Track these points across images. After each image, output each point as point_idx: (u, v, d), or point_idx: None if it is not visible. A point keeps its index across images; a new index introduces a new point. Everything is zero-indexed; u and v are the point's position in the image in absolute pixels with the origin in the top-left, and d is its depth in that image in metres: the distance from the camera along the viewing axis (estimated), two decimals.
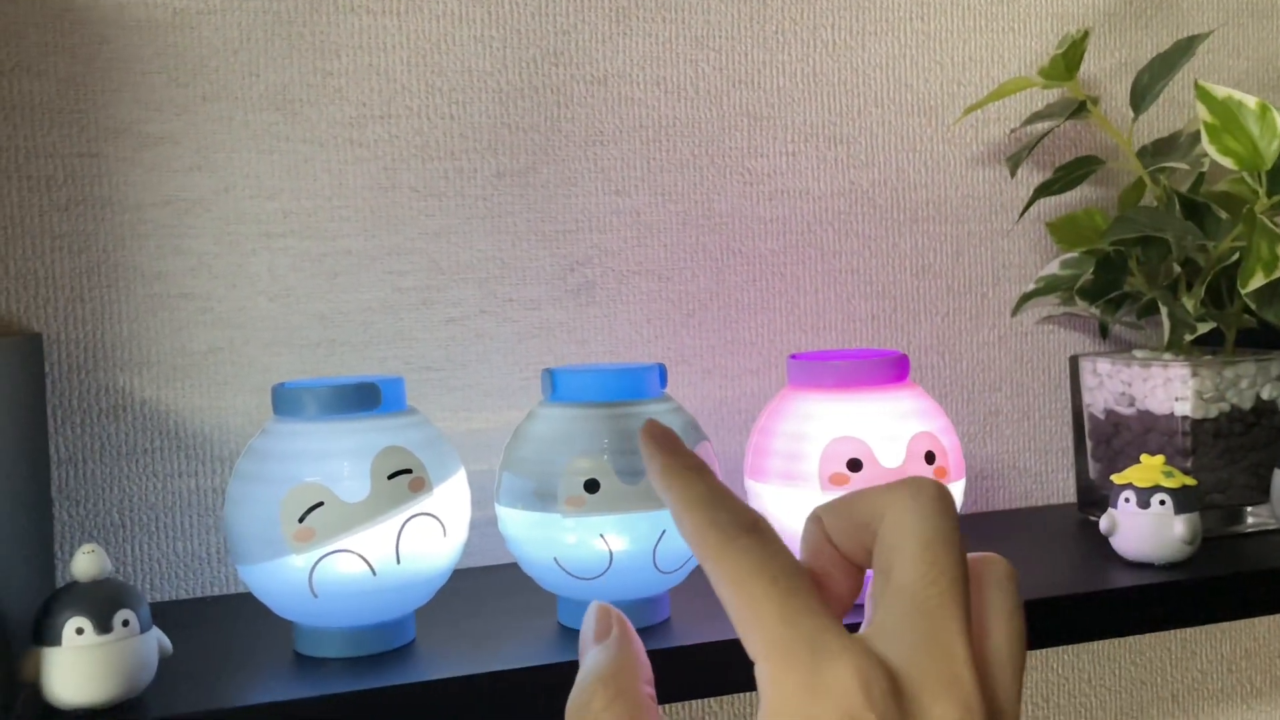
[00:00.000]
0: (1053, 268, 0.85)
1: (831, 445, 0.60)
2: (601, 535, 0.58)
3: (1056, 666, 0.91)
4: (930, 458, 0.61)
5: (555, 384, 0.61)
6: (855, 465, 0.60)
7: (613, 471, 0.57)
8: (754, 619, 0.31)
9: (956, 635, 0.31)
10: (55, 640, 0.51)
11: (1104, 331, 0.89)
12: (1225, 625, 0.95)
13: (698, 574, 0.57)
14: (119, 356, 0.70)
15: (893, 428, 0.61)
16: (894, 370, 0.63)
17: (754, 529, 0.33)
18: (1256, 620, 0.96)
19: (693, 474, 0.35)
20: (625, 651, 0.36)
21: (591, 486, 0.57)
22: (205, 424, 0.71)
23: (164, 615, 0.64)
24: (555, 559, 0.59)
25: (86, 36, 0.69)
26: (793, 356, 0.66)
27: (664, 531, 0.58)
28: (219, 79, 0.71)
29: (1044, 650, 0.90)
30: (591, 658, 0.36)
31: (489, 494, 0.74)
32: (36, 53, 0.68)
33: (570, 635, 0.61)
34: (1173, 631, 0.94)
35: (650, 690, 0.37)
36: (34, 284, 0.69)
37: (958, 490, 0.64)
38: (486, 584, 0.71)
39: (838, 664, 0.30)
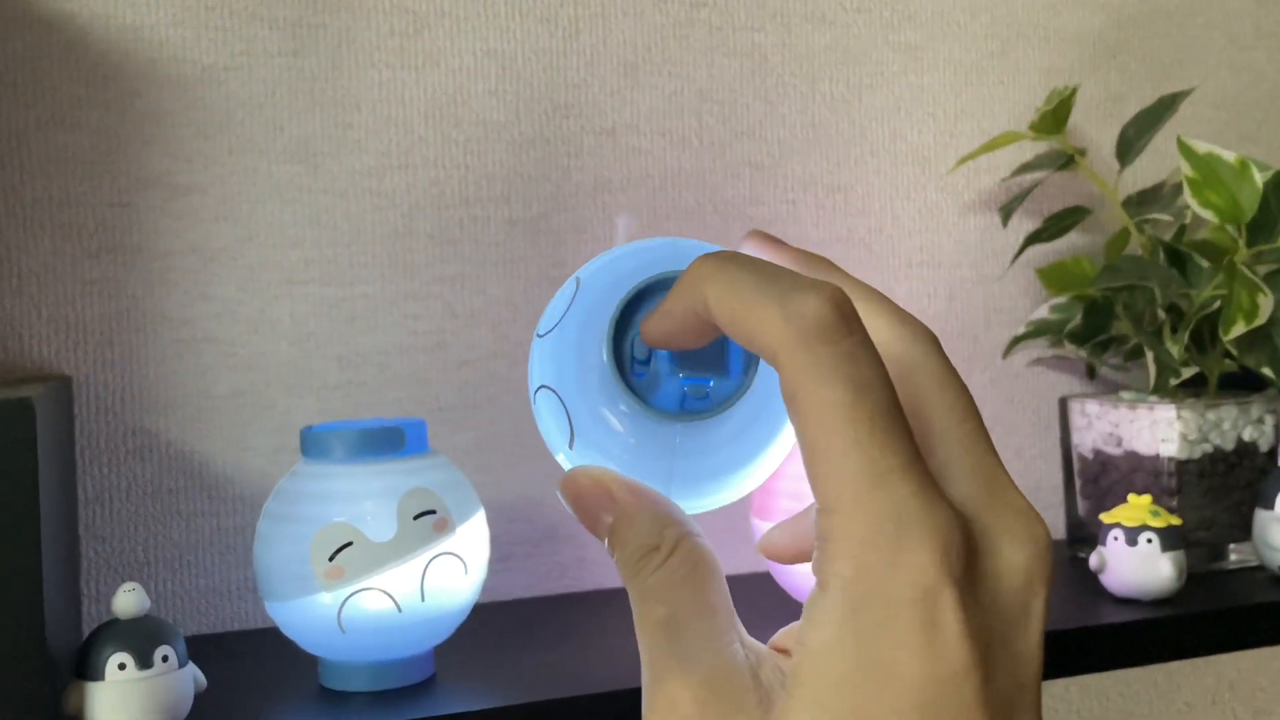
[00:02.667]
0: (1042, 312, 0.88)
1: None
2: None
3: (1047, 700, 0.94)
4: None
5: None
6: None
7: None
8: (840, 471, 0.28)
9: (1001, 466, 0.30)
10: (98, 675, 0.53)
11: (1091, 373, 0.92)
12: (1210, 659, 0.98)
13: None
14: (146, 399, 0.72)
15: None
16: None
17: (847, 319, 0.28)
18: (1240, 654, 0.99)
19: (729, 254, 0.30)
20: (671, 506, 0.32)
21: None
22: (228, 465, 0.74)
23: (190, 650, 0.66)
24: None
25: (119, 91, 0.72)
26: None
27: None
28: (244, 132, 0.74)
29: None
30: (637, 516, 0.31)
31: (501, 532, 0.77)
32: (70, 106, 0.71)
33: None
34: (1159, 665, 0.97)
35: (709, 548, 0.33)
36: (65, 329, 0.71)
37: None
38: (501, 619, 0.74)
39: (919, 534, 0.28)
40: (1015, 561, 0.30)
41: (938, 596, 0.29)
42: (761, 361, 0.31)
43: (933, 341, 0.31)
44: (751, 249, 0.33)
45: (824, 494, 0.29)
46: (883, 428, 0.28)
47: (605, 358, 0.30)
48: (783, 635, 0.34)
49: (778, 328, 0.28)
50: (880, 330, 0.31)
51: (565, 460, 0.33)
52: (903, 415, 0.29)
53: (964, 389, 0.31)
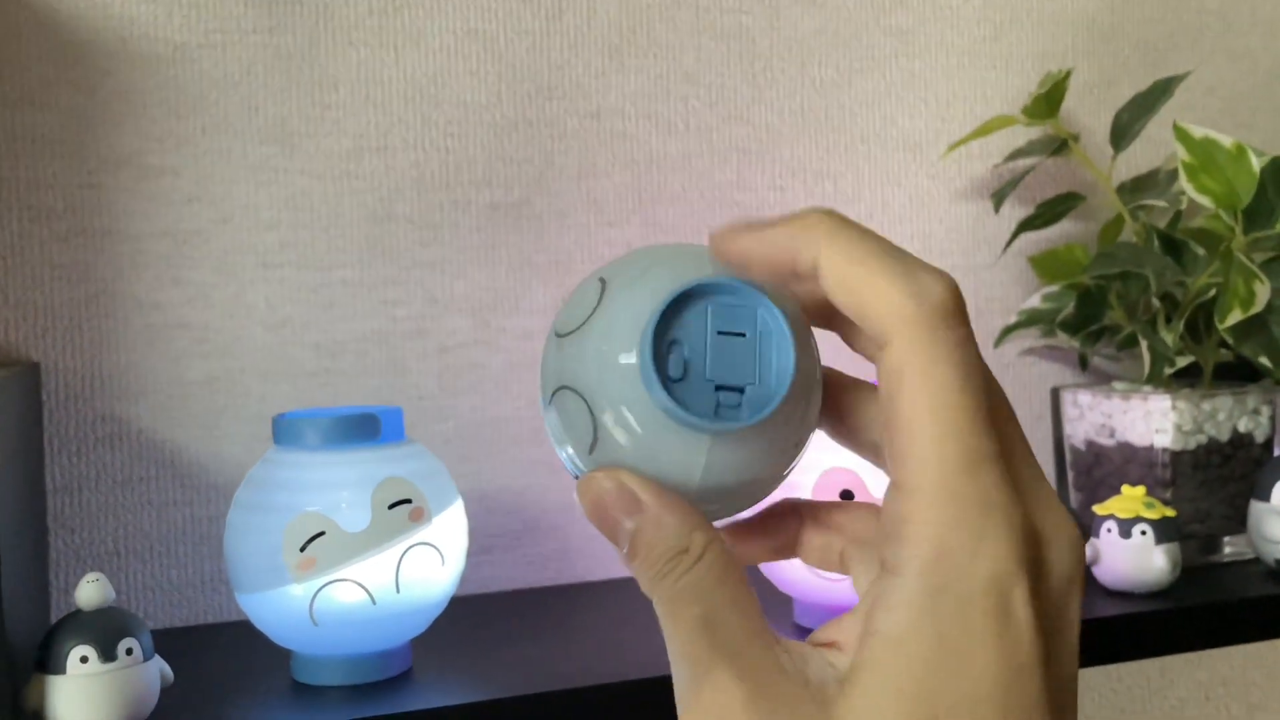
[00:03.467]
0: (1034, 301, 0.87)
1: (825, 476, 0.62)
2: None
3: None
4: None
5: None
6: (847, 495, 0.61)
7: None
8: (935, 454, 0.29)
9: (1039, 467, 0.31)
10: (60, 668, 0.51)
11: (1084, 363, 0.91)
12: (1202, 654, 0.97)
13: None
14: (116, 386, 0.71)
15: None
16: None
17: (964, 309, 0.29)
18: (1233, 649, 0.98)
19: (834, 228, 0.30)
20: (676, 508, 0.31)
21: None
22: (201, 453, 0.72)
23: (160, 643, 0.64)
24: None
25: (89, 70, 0.70)
26: None
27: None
28: (219, 112, 0.72)
29: None
30: (661, 513, 0.30)
31: (481, 523, 0.76)
32: (39, 85, 0.69)
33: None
34: (1152, 659, 0.95)
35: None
36: (33, 313, 0.69)
37: None
38: (480, 612, 0.72)
39: (1003, 524, 0.29)
40: (1062, 561, 0.30)
41: (1012, 587, 0.29)
42: (791, 371, 0.30)
43: (959, 321, 0.31)
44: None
45: (912, 474, 0.29)
46: (982, 417, 0.29)
47: (643, 361, 0.29)
48: (830, 628, 0.33)
49: (901, 302, 0.28)
50: (871, 305, 0.30)
51: (578, 464, 0.32)
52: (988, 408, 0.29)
53: (1003, 392, 0.31)
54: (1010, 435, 0.31)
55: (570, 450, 0.32)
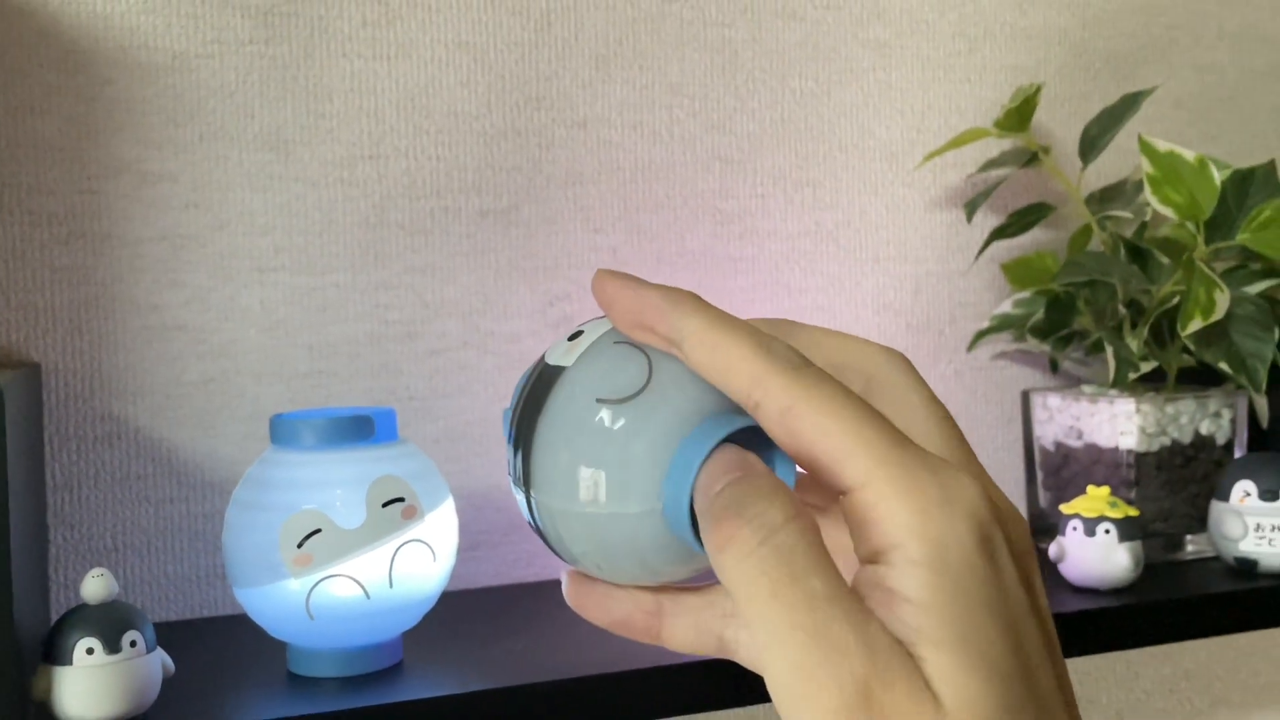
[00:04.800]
0: (1005, 307, 0.90)
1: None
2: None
3: None
4: None
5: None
6: None
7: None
8: (859, 443, 0.30)
9: (980, 465, 0.33)
10: (66, 660, 0.53)
11: (1054, 367, 0.93)
12: (1167, 648, 1.00)
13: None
14: (115, 386, 0.73)
15: None
16: None
17: (806, 359, 0.31)
18: (1197, 643, 1.01)
19: (704, 307, 0.32)
20: (780, 480, 0.31)
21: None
22: (197, 451, 0.74)
23: (158, 635, 0.67)
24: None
25: (90, 78, 0.72)
26: None
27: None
28: (216, 120, 0.74)
29: None
30: (749, 482, 0.30)
31: (469, 521, 0.78)
32: (41, 92, 0.71)
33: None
34: (1118, 654, 0.98)
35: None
36: (34, 315, 0.71)
37: None
38: (468, 607, 0.74)
39: (961, 478, 0.30)
40: (1017, 532, 0.32)
41: (992, 535, 0.31)
42: None
43: (902, 357, 0.34)
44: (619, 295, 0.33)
45: (850, 473, 0.30)
46: (876, 411, 0.31)
47: (676, 504, 0.31)
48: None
49: (758, 362, 0.30)
50: (853, 352, 0.34)
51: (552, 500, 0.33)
52: None
53: (936, 397, 0.33)
54: (925, 435, 0.33)
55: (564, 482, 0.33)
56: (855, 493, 0.30)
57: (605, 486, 0.32)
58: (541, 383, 0.33)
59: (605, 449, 0.32)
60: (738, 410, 0.32)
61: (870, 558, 0.31)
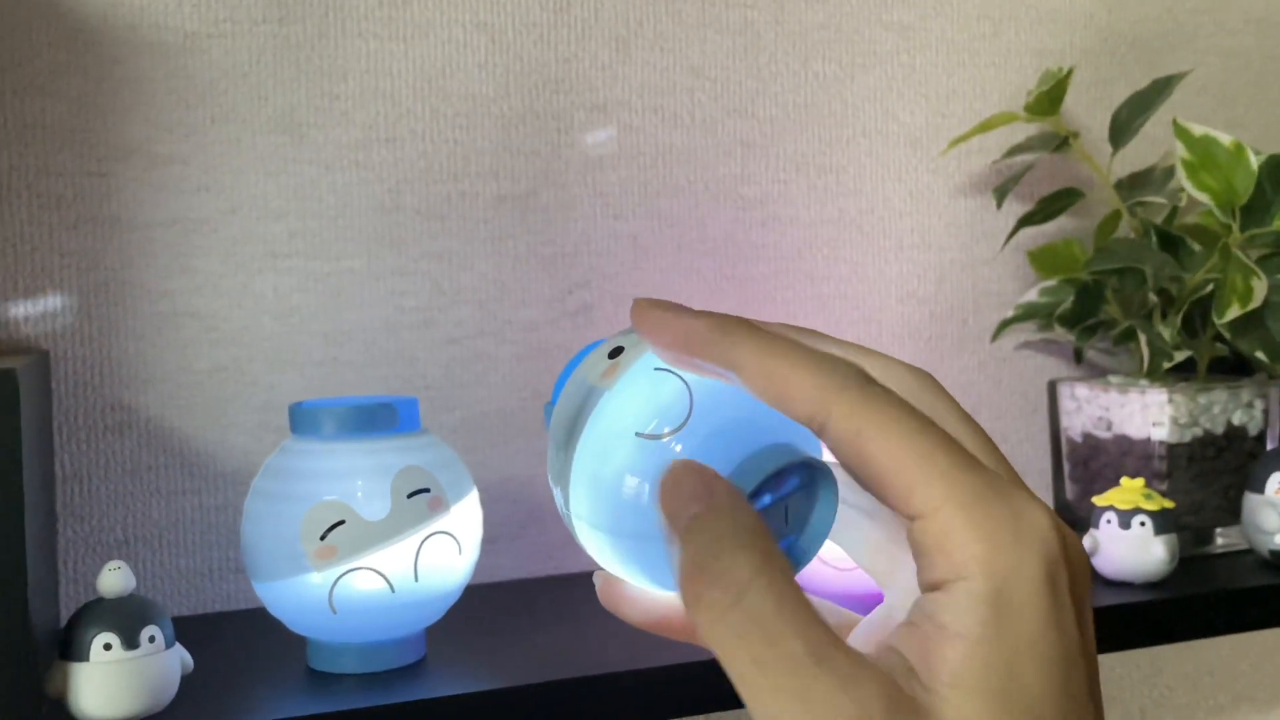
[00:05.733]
0: (1030, 295, 0.88)
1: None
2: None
3: None
4: None
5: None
6: None
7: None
8: (931, 469, 0.29)
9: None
10: (83, 656, 0.52)
11: (1079, 357, 0.92)
12: (1190, 643, 0.98)
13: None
14: (125, 374, 0.71)
15: None
16: None
17: (868, 377, 0.30)
18: (1220, 639, 0.99)
19: (754, 332, 0.30)
20: (751, 513, 0.29)
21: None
22: (209, 441, 0.72)
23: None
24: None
25: (99, 57, 0.70)
26: None
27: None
28: (228, 101, 0.72)
29: None
30: (714, 522, 0.29)
31: (487, 513, 0.76)
32: (49, 73, 0.69)
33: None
34: (1141, 650, 0.97)
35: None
36: (42, 302, 0.69)
37: None
38: (488, 601, 0.72)
39: (1034, 508, 0.29)
40: (1079, 558, 0.31)
41: (1059, 577, 0.30)
42: (826, 534, 0.33)
43: (931, 378, 0.33)
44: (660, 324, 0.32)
45: (921, 499, 0.29)
46: (945, 434, 0.30)
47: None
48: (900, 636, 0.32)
49: (823, 381, 0.30)
50: (892, 378, 0.32)
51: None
52: None
53: (970, 417, 0.32)
54: (987, 451, 0.32)
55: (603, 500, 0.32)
56: (923, 519, 0.29)
57: (645, 519, 0.31)
58: (583, 404, 0.32)
59: (644, 483, 0.31)
60: (776, 438, 0.31)
61: (932, 585, 0.30)
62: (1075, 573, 0.31)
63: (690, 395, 0.31)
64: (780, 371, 0.30)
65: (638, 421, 0.31)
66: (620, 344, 0.33)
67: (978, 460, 0.30)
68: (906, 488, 0.29)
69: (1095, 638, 0.31)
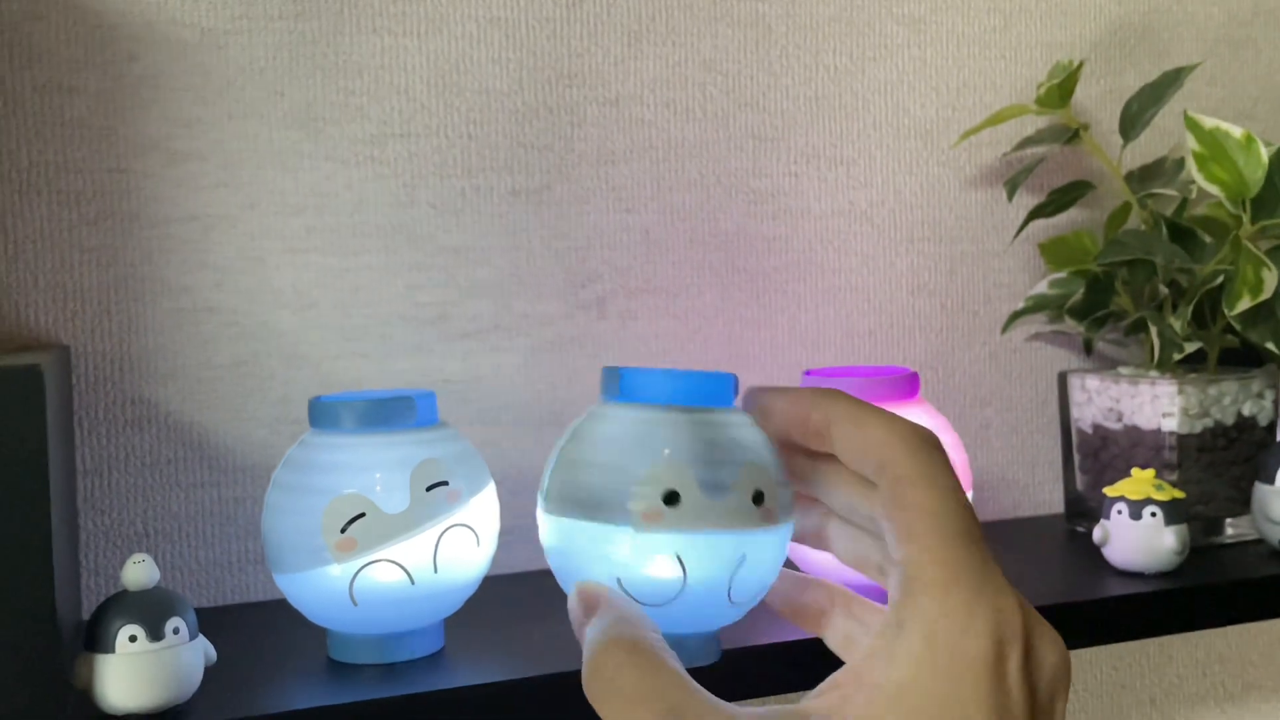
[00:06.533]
0: (1041, 287, 0.88)
1: None
2: (678, 556, 0.46)
3: None
4: None
5: (622, 383, 0.49)
6: None
7: (697, 484, 0.46)
8: (940, 524, 0.35)
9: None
10: (108, 647, 0.52)
11: (1089, 349, 0.92)
12: (1200, 632, 0.99)
13: (752, 615, 0.50)
14: (144, 369, 0.71)
15: None
16: (907, 387, 0.66)
17: (930, 432, 0.38)
18: (1231, 628, 1.00)
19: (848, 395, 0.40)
20: (623, 612, 0.39)
21: (672, 499, 0.46)
22: (228, 435, 0.73)
23: None
24: (618, 580, 0.46)
25: (116, 54, 0.70)
26: (807, 373, 0.69)
27: (744, 557, 0.46)
28: (245, 97, 0.73)
29: None
30: (595, 626, 0.38)
31: (504, 505, 0.76)
32: (68, 70, 0.69)
33: None
34: (1151, 639, 0.97)
35: (659, 636, 0.39)
36: (62, 297, 0.70)
37: None
38: (504, 592, 0.73)
39: (1002, 587, 0.34)
40: (1050, 656, 0.34)
41: (1009, 652, 0.33)
42: None
43: (930, 446, 0.38)
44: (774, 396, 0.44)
45: (919, 546, 0.35)
46: (972, 512, 0.36)
47: None
48: (833, 679, 0.38)
49: (898, 436, 0.37)
50: (879, 447, 0.38)
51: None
52: None
53: (959, 489, 0.38)
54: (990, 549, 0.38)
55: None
56: (905, 567, 0.35)
57: None
58: None
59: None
60: None
61: (883, 627, 0.35)
62: (1044, 665, 0.34)
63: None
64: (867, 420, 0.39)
65: None
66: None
67: (982, 541, 0.35)
68: (918, 523, 0.35)
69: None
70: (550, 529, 0.49)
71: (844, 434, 0.39)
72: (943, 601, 0.33)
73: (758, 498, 0.46)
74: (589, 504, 0.47)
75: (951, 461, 0.38)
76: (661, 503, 0.46)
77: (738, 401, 0.46)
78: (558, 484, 0.49)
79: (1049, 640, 0.34)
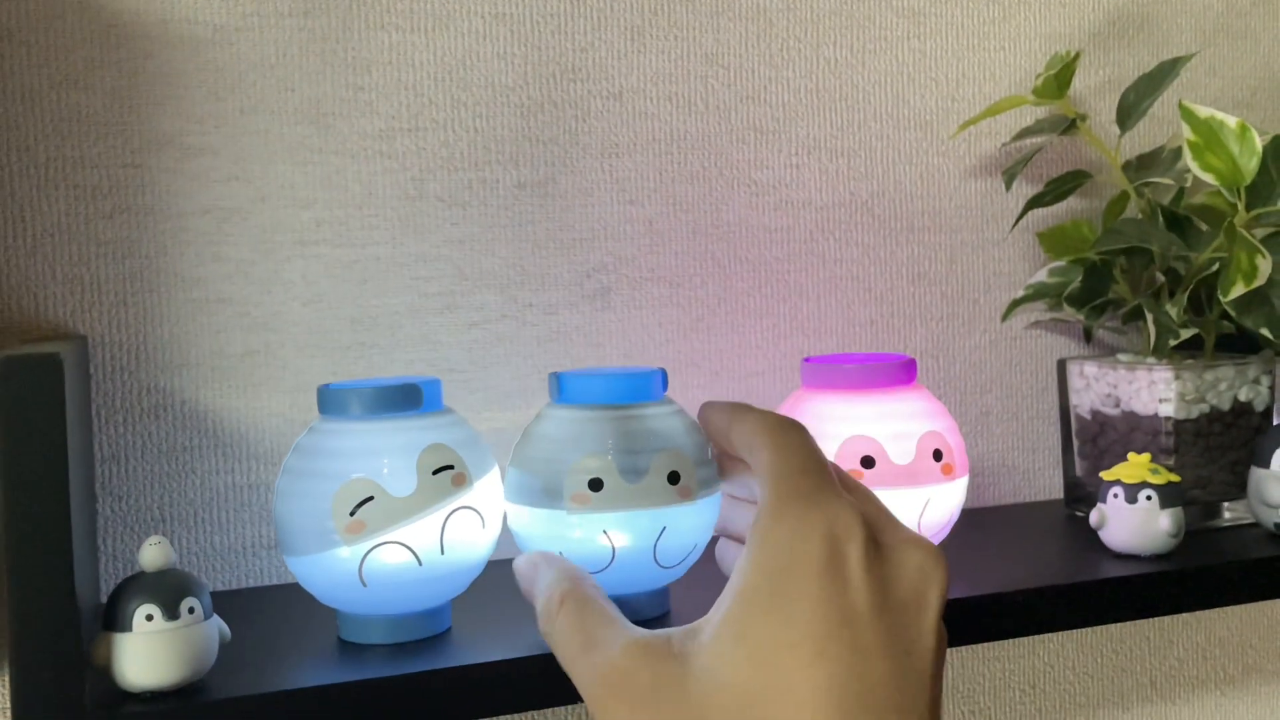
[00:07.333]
0: (1040, 276, 0.90)
1: (846, 444, 0.64)
2: (605, 531, 0.59)
3: (1043, 654, 0.96)
4: (938, 455, 0.65)
5: (562, 387, 0.62)
6: (868, 462, 0.64)
7: (616, 470, 0.58)
8: (781, 476, 0.42)
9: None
10: (126, 626, 0.54)
11: (1088, 336, 0.93)
12: (1200, 615, 1.00)
13: (697, 570, 0.63)
14: (160, 359, 0.73)
15: (903, 427, 0.65)
16: (904, 373, 0.67)
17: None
18: (1229, 610, 1.01)
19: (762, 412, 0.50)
20: (565, 565, 0.51)
21: (595, 485, 0.59)
22: (242, 423, 0.75)
23: None
24: (560, 553, 0.59)
25: (131, 51, 0.72)
26: (806, 360, 0.70)
27: (664, 529, 0.59)
28: (256, 93, 0.74)
29: (1031, 638, 0.95)
30: (542, 580, 0.50)
31: None
32: (84, 67, 0.71)
33: None
34: (1151, 621, 0.99)
35: (596, 586, 0.49)
36: (80, 289, 0.72)
37: (962, 486, 0.68)
38: (510, 575, 0.75)
39: (834, 500, 0.40)
40: (913, 556, 0.39)
41: (846, 553, 0.38)
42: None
43: (801, 431, 0.48)
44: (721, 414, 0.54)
45: (767, 484, 0.42)
46: (818, 455, 0.44)
47: None
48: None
49: (762, 425, 0.48)
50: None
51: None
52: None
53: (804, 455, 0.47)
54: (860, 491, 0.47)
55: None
56: (760, 491, 0.44)
57: None
58: None
59: None
60: None
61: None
62: (898, 560, 0.39)
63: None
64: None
65: None
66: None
67: (826, 469, 0.43)
68: (765, 458, 0.45)
69: (933, 642, 0.39)
70: (511, 514, 0.63)
71: (736, 432, 0.49)
72: (777, 516, 0.39)
73: (673, 478, 0.58)
74: (535, 492, 0.60)
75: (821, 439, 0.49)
76: (588, 489, 0.58)
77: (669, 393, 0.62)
78: (514, 477, 0.62)
79: (910, 542, 0.40)
